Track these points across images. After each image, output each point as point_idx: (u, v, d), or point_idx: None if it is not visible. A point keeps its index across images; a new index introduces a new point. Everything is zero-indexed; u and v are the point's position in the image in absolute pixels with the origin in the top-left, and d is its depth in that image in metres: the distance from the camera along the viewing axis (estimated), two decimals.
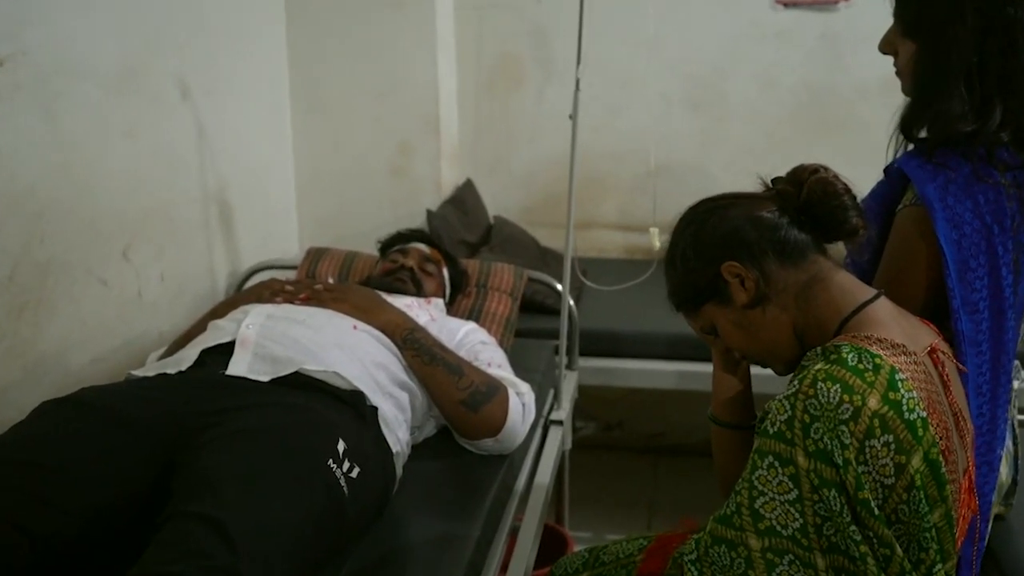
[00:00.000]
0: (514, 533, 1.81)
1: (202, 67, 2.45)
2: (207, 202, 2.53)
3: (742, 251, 1.21)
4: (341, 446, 1.42)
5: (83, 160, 2.00)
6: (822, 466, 1.07)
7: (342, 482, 1.39)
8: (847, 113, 3.32)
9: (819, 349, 1.16)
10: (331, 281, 2.18)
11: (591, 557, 1.60)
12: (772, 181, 1.29)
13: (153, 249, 2.28)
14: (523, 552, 1.75)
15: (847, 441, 1.06)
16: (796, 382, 1.11)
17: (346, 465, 1.42)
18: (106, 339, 2.11)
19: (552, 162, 3.41)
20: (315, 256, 2.57)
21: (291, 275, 2.60)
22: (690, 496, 3.13)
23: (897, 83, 1.43)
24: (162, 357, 1.85)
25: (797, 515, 1.09)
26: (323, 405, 1.52)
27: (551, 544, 2.40)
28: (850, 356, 1.10)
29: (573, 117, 2.02)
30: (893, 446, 1.06)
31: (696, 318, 1.31)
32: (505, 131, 3.53)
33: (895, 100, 1.44)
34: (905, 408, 1.07)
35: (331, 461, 1.39)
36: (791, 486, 1.09)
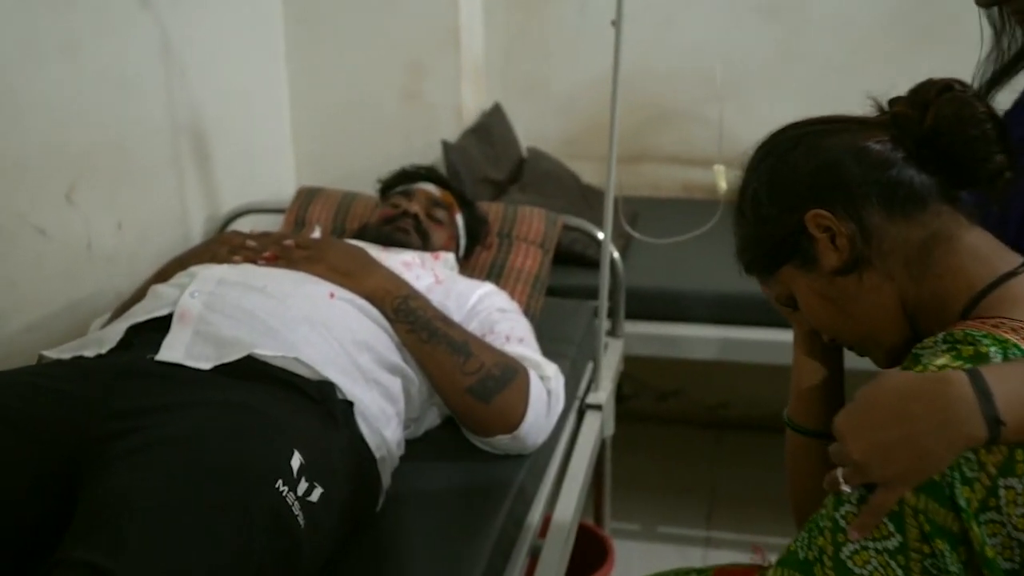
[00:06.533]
0: (535, 555, 1.54)
1: None
2: (176, 134, 2.26)
3: (836, 195, 0.98)
4: (296, 460, 1.16)
5: (7, 83, 1.75)
6: (936, 507, 0.82)
7: (296, 510, 1.13)
8: (958, 22, 2.91)
9: (941, 336, 0.91)
10: (317, 231, 1.90)
11: None
12: (889, 103, 1.04)
13: (105, 191, 2.03)
14: None
15: (973, 474, 0.81)
16: None
17: (302, 486, 1.15)
18: (45, 302, 1.88)
19: (598, 83, 3.06)
20: (306, 197, 2.30)
21: (279, 220, 2.34)
22: (761, 482, 2.84)
23: None
24: (106, 325, 1.61)
25: (898, 570, 0.85)
26: (278, 403, 1.25)
27: (588, 550, 2.14)
28: (991, 351, 0.84)
29: (617, 23, 1.74)
30: None
31: (771, 284, 1.08)
32: (542, 45, 3.26)
33: None
34: None
35: (281, 483, 1.12)
36: (891, 530, 0.85)
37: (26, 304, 1.83)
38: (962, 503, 0.81)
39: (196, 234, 2.36)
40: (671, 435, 3.21)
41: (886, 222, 0.98)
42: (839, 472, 0.86)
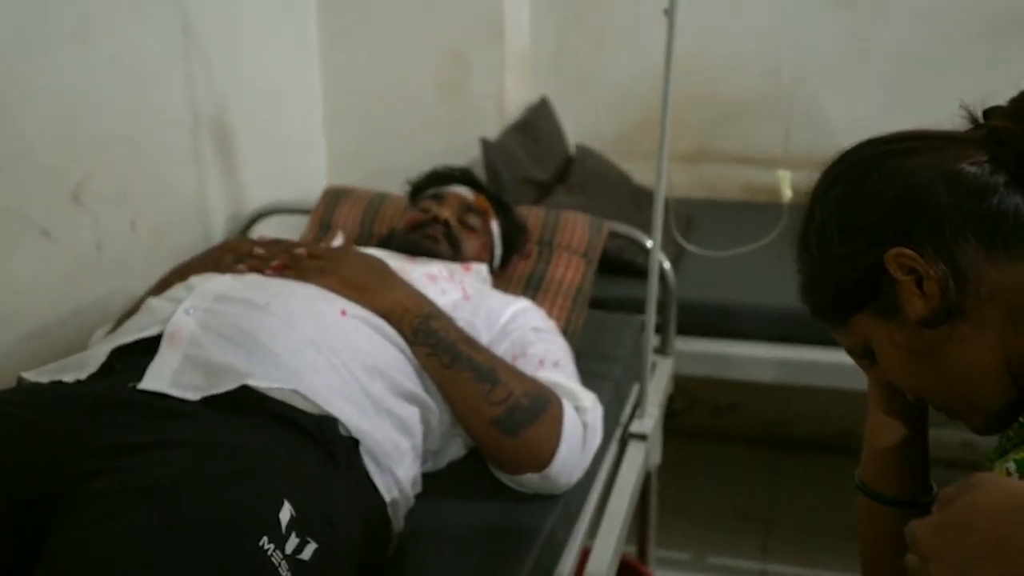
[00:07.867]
0: None
1: None
2: (197, 127, 2.16)
3: (922, 230, 0.86)
4: (286, 513, 1.03)
5: (10, 70, 1.66)
6: None
7: (283, 570, 1.00)
8: None
9: None
10: (340, 238, 1.78)
11: None
12: (984, 114, 0.90)
13: (117, 188, 1.93)
14: None
15: None
16: (1016, 468, 0.75)
17: (292, 543, 1.02)
18: (49, 307, 1.79)
19: (653, 75, 2.88)
20: (332, 198, 2.17)
21: (304, 222, 2.23)
22: (824, 510, 2.69)
23: None
24: (108, 334, 1.50)
25: None
26: (270, 443, 1.13)
27: None
28: None
29: (670, 11, 1.61)
30: None
31: (843, 332, 0.94)
32: (593, 34, 3.12)
33: None
34: None
35: (266, 540, 0.99)
36: None
37: (28, 310, 1.74)
38: None
39: (217, 235, 2.26)
40: (725, 455, 3.06)
41: (985, 262, 0.84)
42: None
